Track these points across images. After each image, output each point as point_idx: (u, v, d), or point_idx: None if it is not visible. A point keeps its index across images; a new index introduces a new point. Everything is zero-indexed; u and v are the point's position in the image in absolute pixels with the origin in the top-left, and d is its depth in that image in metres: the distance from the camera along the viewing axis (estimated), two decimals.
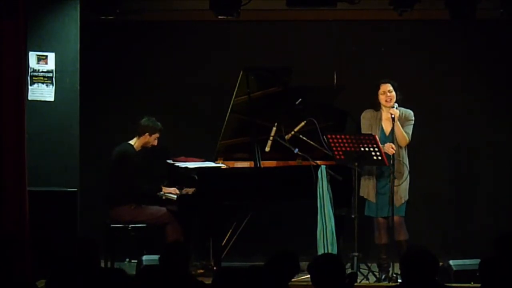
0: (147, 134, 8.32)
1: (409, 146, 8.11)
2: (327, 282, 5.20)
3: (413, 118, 8.15)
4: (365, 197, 8.15)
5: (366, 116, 8.22)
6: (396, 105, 8.06)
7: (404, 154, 8.10)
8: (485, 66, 9.14)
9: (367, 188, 8.14)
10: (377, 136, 8.02)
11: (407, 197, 8.10)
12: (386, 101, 8.09)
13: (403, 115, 8.15)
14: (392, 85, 8.12)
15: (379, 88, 8.13)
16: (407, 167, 8.04)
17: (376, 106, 8.16)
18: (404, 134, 8.06)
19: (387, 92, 8.11)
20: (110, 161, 8.34)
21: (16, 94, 7.43)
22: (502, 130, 9.17)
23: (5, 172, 7.38)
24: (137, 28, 9.13)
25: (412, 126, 8.12)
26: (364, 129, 8.17)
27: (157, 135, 8.35)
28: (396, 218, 8.05)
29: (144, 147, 8.37)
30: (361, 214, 7.96)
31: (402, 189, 8.05)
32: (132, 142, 8.35)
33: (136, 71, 9.19)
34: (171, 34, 9.21)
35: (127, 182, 8.18)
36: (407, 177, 8.04)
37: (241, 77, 8.13)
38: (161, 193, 8.27)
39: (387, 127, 8.12)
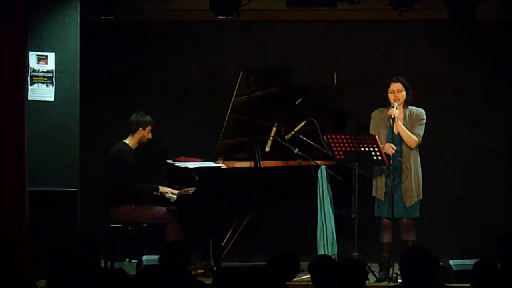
0: (140, 129, 8.34)
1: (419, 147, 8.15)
2: (327, 282, 5.21)
3: (424, 117, 8.12)
4: (377, 197, 8.15)
5: (375, 116, 8.21)
6: (395, 105, 8.05)
7: (414, 153, 8.08)
8: (485, 66, 9.14)
9: (378, 188, 8.13)
10: (383, 135, 8.04)
11: (420, 197, 8.09)
12: (394, 100, 8.07)
13: (414, 114, 8.12)
14: (403, 85, 8.10)
15: (389, 86, 8.12)
16: (409, 167, 8.03)
17: (387, 104, 8.15)
18: (409, 134, 8.05)
19: (396, 91, 8.08)
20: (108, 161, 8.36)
21: (16, 94, 7.42)
22: (502, 130, 9.17)
23: (5, 172, 7.38)
24: (137, 28, 9.13)
25: (423, 126, 8.09)
26: (372, 129, 8.17)
27: (149, 127, 8.37)
28: (405, 220, 8.05)
29: (140, 143, 8.39)
30: (361, 214, 7.96)
31: (412, 190, 8.04)
32: (127, 141, 8.36)
33: (136, 71, 9.19)
34: (170, 34, 9.21)
35: (124, 182, 8.19)
36: (412, 176, 8.03)
37: (241, 77, 8.13)
38: (157, 193, 8.29)
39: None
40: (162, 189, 8.31)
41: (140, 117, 8.36)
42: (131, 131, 8.36)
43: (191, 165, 8.28)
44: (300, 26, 9.18)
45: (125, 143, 8.35)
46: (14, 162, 7.40)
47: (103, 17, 8.16)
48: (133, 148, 8.36)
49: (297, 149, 8.13)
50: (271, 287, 5.28)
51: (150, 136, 8.40)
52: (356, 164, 7.90)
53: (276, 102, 8.32)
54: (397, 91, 8.10)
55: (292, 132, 8.22)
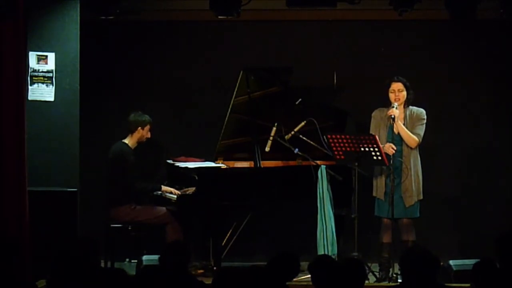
0: (139, 128, 8.35)
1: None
2: (327, 282, 5.20)
3: (425, 117, 8.12)
4: (377, 197, 8.15)
5: (375, 116, 8.22)
6: (395, 104, 8.06)
7: (414, 153, 8.08)
8: (485, 66, 9.14)
9: (378, 188, 8.13)
10: (383, 135, 8.04)
11: (420, 197, 8.09)
12: (394, 100, 8.07)
13: (414, 114, 8.13)
14: (404, 85, 8.10)
15: (389, 86, 8.12)
16: (409, 166, 8.02)
17: (387, 104, 8.14)
18: (409, 134, 8.05)
19: (396, 91, 8.09)
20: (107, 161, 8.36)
21: (16, 94, 7.42)
22: (502, 130, 9.17)
23: (5, 172, 7.38)
24: (137, 28, 9.13)
25: (423, 126, 8.10)
26: (372, 129, 8.17)
27: (148, 127, 8.38)
28: (405, 220, 8.05)
29: (139, 142, 8.39)
30: (361, 214, 7.96)
31: (412, 190, 8.03)
32: (126, 140, 8.36)
33: (136, 71, 9.19)
34: (170, 34, 9.21)
35: (124, 181, 8.19)
36: (412, 176, 8.02)
37: (241, 77, 8.13)
38: (159, 192, 8.29)
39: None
40: (165, 188, 8.30)
41: (138, 117, 8.36)
42: (130, 131, 8.37)
43: (191, 165, 8.28)
44: (300, 26, 9.17)
45: (124, 143, 8.35)
46: (14, 162, 7.40)
47: (103, 17, 8.15)
48: (133, 147, 8.36)
49: (297, 149, 8.13)
50: (271, 287, 5.28)
51: (149, 135, 8.41)
52: (356, 164, 7.90)
53: (276, 102, 8.32)
54: (398, 90, 8.10)
55: (292, 132, 8.22)
